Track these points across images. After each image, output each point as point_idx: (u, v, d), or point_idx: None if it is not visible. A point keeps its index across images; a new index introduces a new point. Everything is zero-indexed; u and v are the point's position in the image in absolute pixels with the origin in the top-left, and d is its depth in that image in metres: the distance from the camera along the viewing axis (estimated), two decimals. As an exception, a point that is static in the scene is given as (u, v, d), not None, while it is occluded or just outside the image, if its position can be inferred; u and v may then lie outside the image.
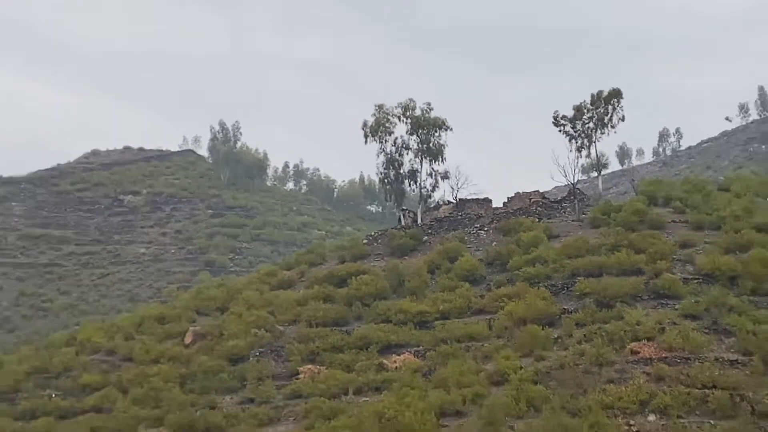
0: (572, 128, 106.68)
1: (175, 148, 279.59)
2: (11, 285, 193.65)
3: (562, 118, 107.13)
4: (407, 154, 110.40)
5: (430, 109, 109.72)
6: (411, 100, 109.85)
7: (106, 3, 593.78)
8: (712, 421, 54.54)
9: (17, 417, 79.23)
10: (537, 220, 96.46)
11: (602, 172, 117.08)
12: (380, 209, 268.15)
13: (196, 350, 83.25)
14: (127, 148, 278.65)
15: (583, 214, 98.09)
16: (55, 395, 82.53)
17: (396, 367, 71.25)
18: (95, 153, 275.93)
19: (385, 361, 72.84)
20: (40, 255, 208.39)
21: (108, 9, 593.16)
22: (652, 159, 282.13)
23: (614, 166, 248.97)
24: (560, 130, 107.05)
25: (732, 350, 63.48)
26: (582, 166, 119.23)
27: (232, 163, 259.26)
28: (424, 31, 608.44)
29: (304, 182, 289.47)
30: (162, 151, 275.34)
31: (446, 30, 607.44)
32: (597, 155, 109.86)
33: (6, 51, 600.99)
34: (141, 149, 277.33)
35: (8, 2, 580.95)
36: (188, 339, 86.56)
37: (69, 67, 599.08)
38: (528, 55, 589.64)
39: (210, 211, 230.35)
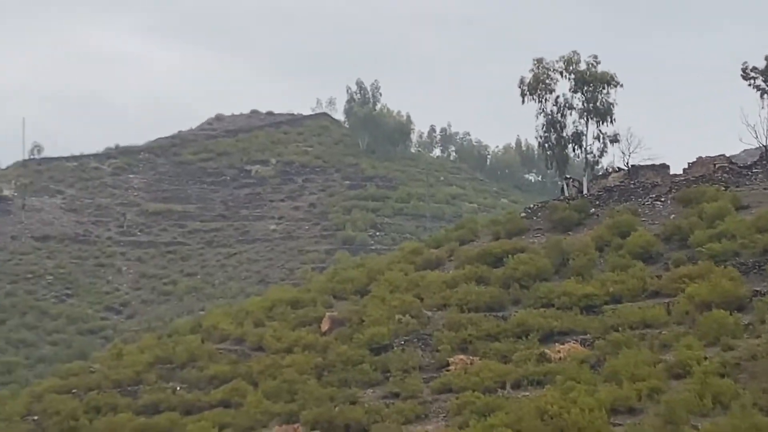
0: (764, 81, 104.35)
1: (307, 112, 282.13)
2: (131, 266, 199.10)
3: (752, 71, 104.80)
4: (570, 114, 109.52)
5: (596, 63, 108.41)
6: (574, 52, 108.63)
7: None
8: None
9: (139, 411, 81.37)
10: (723, 188, 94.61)
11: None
12: (540, 178, 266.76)
13: (333, 338, 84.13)
14: (254, 113, 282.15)
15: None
16: (180, 388, 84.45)
17: (560, 358, 71.04)
18: (219, 118, 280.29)
19: (547, 351, 72.62)
20: (162, 233, 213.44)
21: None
22: None
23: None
24: (750, 84, 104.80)
25: None
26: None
27: (370, 128, 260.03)
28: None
29: (453, 148, 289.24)
30: (293, 115, 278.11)
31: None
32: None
33: (126, 12, 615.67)
34: (269, 113, 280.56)
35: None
36: (325, 326, 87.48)
37: (189, 26, 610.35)
38: (704, 6, 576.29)
39: (347, 182, 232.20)
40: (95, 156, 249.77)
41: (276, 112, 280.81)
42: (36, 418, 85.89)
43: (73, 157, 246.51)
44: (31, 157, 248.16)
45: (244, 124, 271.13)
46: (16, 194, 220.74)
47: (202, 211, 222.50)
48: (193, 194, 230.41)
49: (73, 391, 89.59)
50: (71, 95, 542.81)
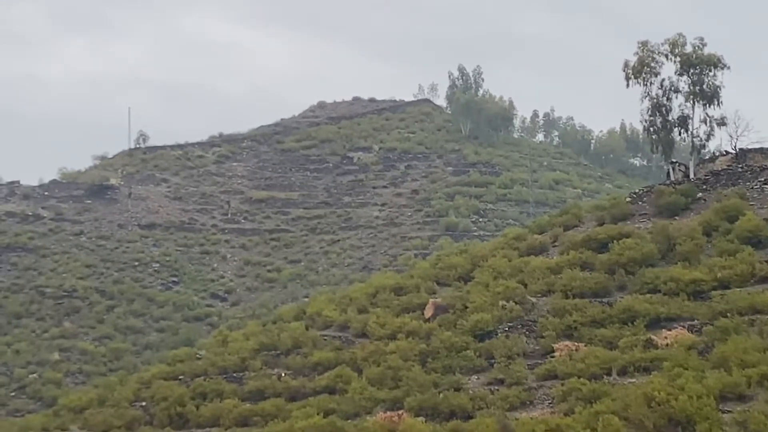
0: None
1: (409, 98, 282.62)
2: (235, 253, 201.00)
3: None
4: (676, 97, 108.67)
5: (702, 45, 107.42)
6: (680, 35, 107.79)
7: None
8: None
9: (244, 397, 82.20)
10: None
11: None
12: (645, 162, 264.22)
13: (437, 324, 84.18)
14: (356, 99, 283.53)
15: None
16: (285, 374, 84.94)
17: (667, 344, 70.58)
18: (321, 105, 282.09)
19: (653, 337, 72.22)
20: (265, 220, 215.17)
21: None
22: None
23: None
24: None
25: None
26: None
27: (473, 114, 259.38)
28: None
29: (556, 133, 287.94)
30: (395, 101, 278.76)
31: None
32: None
33: (229, 1, 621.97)
34: (372, 100, 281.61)
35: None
36: (428, 312, 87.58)
37: (292, 13, 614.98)
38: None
39: (449, 168, 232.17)
40: (199, 144, 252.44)
41: (378, 98, 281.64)
42: (144, 404, 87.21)
43: (178, 146, 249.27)
44: (137, 146, 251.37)
45: (346, 111, 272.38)
46: (122, 183, 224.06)
47: (305, 198, 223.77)
48: (296, 181, 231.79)
49: (180, 377, 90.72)
50: (176, 84, 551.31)
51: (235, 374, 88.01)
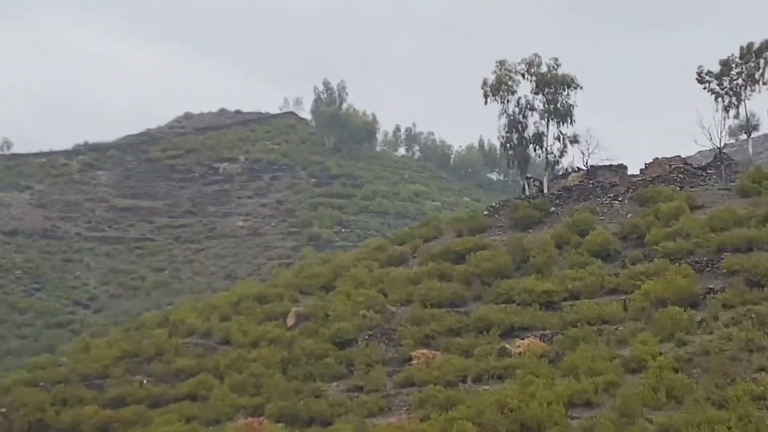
0: (718, 85, 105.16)
1: (274, 111, 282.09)
2: (99, 261, 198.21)
3: (707, 74, 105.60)
4: (532, 115, 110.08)
5: (557, 66, 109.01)
6: (536, 55, 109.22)
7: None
8: None
9: (105, 404, 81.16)
10: (678, 188, 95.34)
11: (753, 135, 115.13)
12: (502, 177, 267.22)
13: (298, 333, 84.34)
14: (222, 111, 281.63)
15: (731, 181, 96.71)
16: (147, 381, 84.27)
17: (519, 353, 71.28)
18: (188, 116, 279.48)
19: (507, 346, 72.94)
20: (130, 228, 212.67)
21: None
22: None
23: (766, 127, 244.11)
24: (705, 88, 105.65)
25: None
26: (729, 128, 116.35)
27: (337, 127, 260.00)
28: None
29: (417, 148, 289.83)
30: (261, 113, 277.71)
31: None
32: (747, 115, 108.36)
33: (100, 13, 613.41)
34: (238, 112, 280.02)
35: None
36: (290, 320, 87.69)
37: (163, 28, 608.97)
38: (663, 8, 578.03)
39: (313, 179, 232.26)
40: (64, 152, 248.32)
41: (244, 110, 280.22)
42: (3, 410, 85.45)
43: (42, 154, 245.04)
44: (1, 152, 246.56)
45: (213, 121, 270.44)
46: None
47: (170, 207, 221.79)
48: (161, 190, 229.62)
49: (41, 384, 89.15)
50: (45, 94, 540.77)
51: (96, 381, 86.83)
